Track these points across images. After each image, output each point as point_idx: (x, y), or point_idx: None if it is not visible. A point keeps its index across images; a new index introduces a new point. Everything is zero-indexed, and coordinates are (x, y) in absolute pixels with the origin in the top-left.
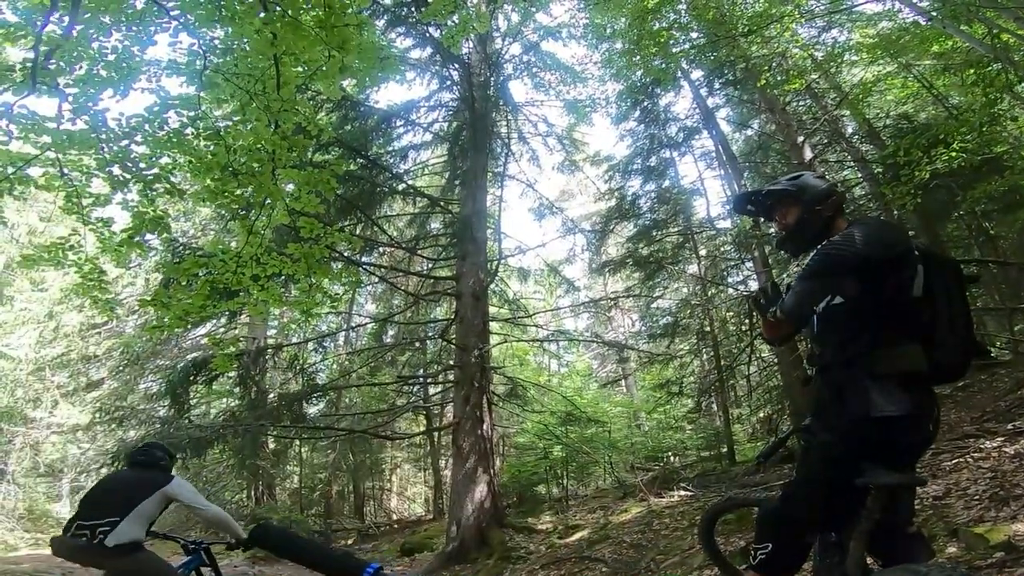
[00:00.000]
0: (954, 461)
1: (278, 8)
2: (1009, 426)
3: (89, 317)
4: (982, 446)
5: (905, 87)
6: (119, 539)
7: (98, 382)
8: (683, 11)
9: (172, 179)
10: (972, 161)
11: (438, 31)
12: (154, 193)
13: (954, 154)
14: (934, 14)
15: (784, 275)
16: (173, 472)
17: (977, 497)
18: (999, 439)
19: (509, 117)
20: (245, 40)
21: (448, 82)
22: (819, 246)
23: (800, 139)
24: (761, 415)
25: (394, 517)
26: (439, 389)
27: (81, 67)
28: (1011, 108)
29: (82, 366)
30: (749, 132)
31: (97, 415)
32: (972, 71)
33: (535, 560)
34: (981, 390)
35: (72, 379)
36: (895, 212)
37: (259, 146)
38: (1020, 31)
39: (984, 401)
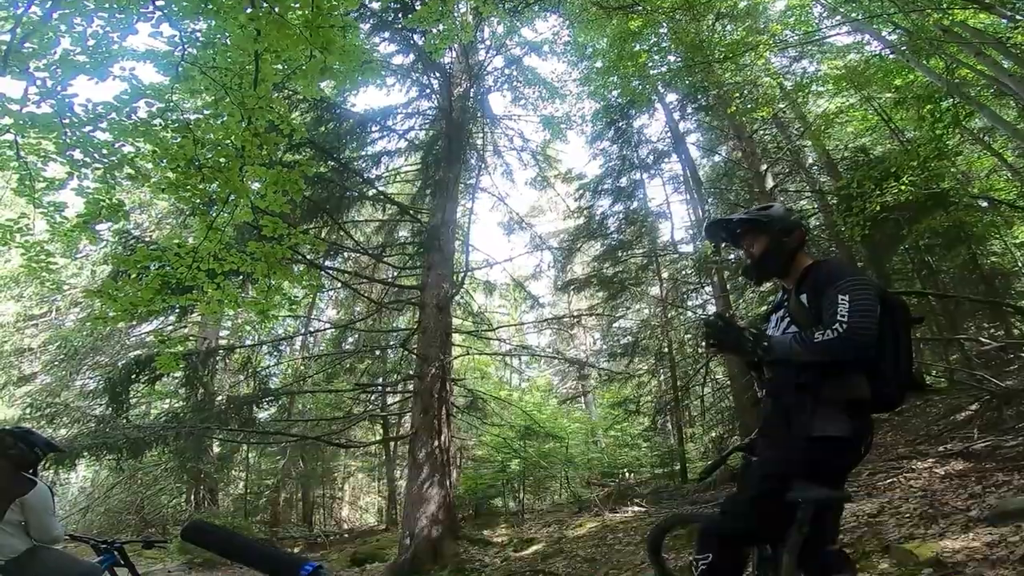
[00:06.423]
0: (888, 481)
1: (265, 4)
2: (940, 448)
3: (26, 308)
4: (915, 467)
5: (865, 120)
6: (6, 554)
7: (31, 376)
8: (664, 34)
9: (135, 166)
10: (918, 195)
11: (422, 38)
12: (113, 180)
13: (903, 187)
14: (901, 48)
15: (740, 301)
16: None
17: (908, 515)
18: (931, 460)
19: (486, 129)
20: (227, 34)
21: (428, 90)
22: (846, 279)
23: (764, 167)
24: (713, 435)
25: (345, 526)
26: (398, 398)
27: (55, 51)
28: (961, 143)
29: (15, 359)
30: (716, 158)
31: (28, 411)
32: (928, 106)
33: (489, 573)
34: (916, 415)
35: (3, 372)
36: (847, 243)
37: (228, 141)
38: (979, 66)
39: (919, 425)
